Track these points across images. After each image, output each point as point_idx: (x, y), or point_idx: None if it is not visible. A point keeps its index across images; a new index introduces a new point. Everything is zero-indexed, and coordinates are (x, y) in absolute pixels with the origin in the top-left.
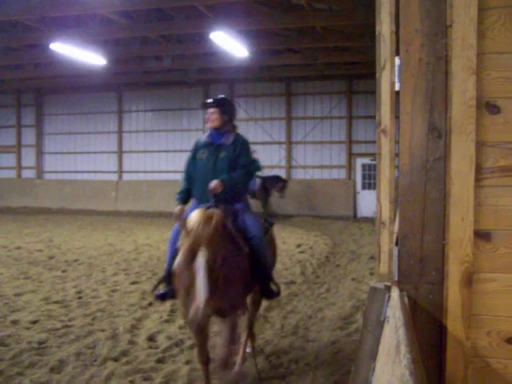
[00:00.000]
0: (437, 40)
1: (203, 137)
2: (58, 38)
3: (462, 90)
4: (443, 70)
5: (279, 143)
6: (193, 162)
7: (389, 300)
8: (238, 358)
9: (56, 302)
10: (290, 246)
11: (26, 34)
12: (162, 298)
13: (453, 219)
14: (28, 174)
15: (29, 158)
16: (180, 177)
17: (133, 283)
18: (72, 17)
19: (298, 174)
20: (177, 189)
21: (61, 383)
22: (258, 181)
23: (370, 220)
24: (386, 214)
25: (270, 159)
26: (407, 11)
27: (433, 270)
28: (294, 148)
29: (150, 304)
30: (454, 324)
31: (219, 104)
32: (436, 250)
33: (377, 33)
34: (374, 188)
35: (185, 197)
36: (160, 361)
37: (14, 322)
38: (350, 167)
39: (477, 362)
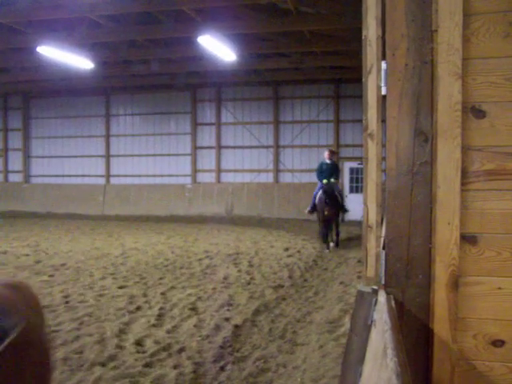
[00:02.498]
0: (423, 45)
1: None
2: (45, 41)
3: (448, 94)
4: (429, 75)
5: (267, 147)
6: None
7: (376, 303)
8: None
9: (43, 307)
10: (278, 249)
11: (13, 37)
12: None
13: (439, 223)
14: (15, 177)
15: (16, 161)
16: (168, 181)
17: (120, 287)
18: (59, 20)
19: (286, 178)
20: (165, 193)
21: None
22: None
23: (358, 223)
24: (372, 217)
25: (257, 163)
26: (393, 16)
27: (419, 274)
28: (281, 152)
29: (138, 308)
30: (441, 327)
31: None
32: (423, 253)
33: (363, 37)
34: (362, 192)
35: None
36: (148, 365)
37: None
38: None
39: (463, 365)
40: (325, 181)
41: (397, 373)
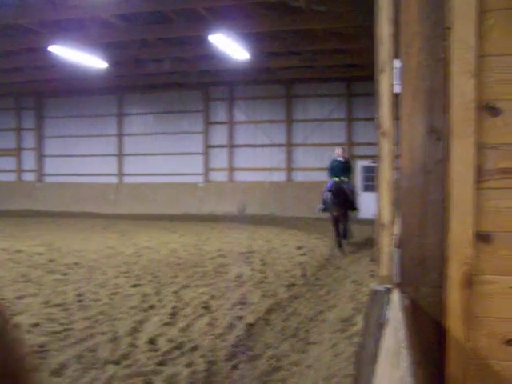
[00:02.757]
0: (436, 42)
1: None
2: (57, 40)
3: (462, 92)
4: (442, 73)
5: (279, 146)
6: None
7: (389, 302)
8: None
9: (56, 305)
10: (291, 248)
11: (26, 37)
12: None
13: (453, 221)
14: (28, 177)
15: (29, 161)
16: (180, 179)
17: (133, 286)
18: (71, 20)
19: (299, 177)
20: (177, 191)
21: None
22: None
23: (371, 222)
24: (386, 216)
25: (269, 162)
26: (407, 14)
27: (433, 272)
28: (294, 150)
29: (151, 307)
30: (455, 326)
31: None
32: (436, 252)
33: (376, 35)
34: (375, 190)
35: None
36: (160, 364)
37: (15, 326)
38: None
39: (477, 364)
40: (335, 178)
41: (410, 372)
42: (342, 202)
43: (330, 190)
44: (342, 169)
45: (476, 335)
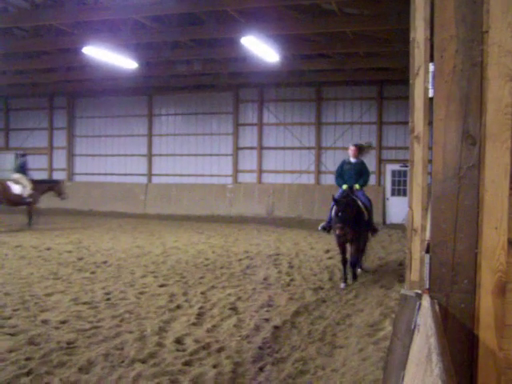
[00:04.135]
0: (472, 46)
1: None
2: (90, 41)
3: (498, 97)
4: (478, 77)
5: (308, 148)
6: None
7: (419, 308)
8: None
9: (85, 303)
10: (319, 251)
11: (60, 38)
12: None
13: (486, 228)
14: (59, 175)
15: (60, 159)
16: (209, 180)
17: (161, 286)
18: (104, 21)
19: (327, 180)
20: (206, 193)
21: (89, 383)
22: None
23: (399, 226)
24: (418, 221)
25: (298, 164)
26: (442, 17)
27: (465, 279)
28: (323, 153)
29: (178, 307)
30: (487, 334)
31: None
32: (468, 258)
33: (411, 39)
34: (404, 194)
35: None
36: (187, 364)
37: (44, 322)
38: (379, 173)
39: (509, 374)
40: (345, 186)
41: (442, 379)
42: (352, 218)
43: (336, 200)
44: (355, 173)
45: (509, 344)
